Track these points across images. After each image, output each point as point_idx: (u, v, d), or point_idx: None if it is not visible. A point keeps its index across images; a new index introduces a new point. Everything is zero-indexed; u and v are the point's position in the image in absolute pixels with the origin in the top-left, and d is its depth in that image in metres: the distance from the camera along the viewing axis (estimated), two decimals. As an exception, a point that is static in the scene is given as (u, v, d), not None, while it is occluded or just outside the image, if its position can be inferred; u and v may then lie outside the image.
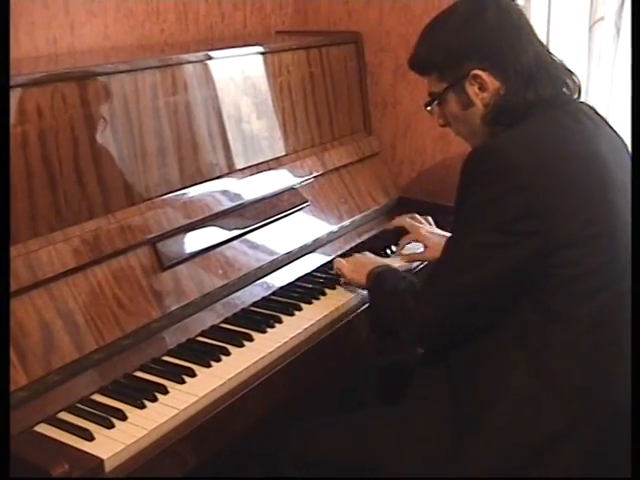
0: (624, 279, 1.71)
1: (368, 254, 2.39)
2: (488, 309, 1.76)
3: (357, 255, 2.38)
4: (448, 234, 2.24)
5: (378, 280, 2.09)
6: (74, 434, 1.63)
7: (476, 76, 1.84)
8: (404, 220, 2.59)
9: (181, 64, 2.26)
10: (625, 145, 1.94)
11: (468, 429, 1.75)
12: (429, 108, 2.00)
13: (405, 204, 2.99)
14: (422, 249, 2.50)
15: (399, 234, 2.64)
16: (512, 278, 1.72)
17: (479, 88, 1.85)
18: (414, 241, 2.54)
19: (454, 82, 1.88)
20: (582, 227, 1.70)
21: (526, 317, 1.72)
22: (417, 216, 2.61)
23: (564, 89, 1.87)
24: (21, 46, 2.29)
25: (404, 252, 2.55)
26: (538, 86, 1.82)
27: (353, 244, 2.70)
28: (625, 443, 1.60)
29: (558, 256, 1.69)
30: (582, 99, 2.64)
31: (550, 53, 1.92)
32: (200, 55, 2.34)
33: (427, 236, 2.49)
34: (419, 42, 1.96)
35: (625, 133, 2.60)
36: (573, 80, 1.89)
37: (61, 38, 2.40)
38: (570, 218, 1.70)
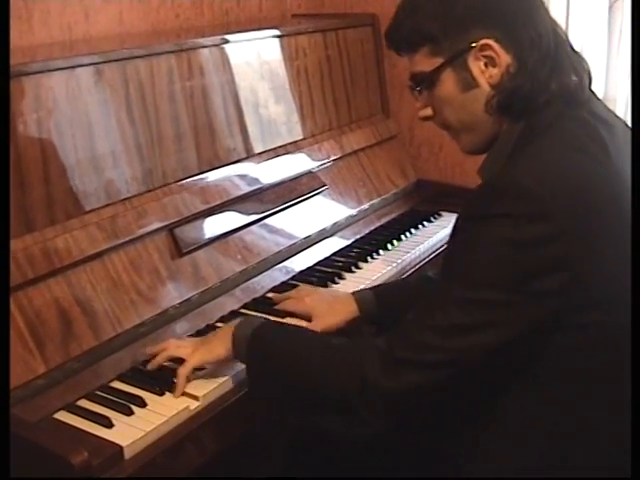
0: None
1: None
2: (483, 378, 1.49)
3: (183, 344, 1.82)
4: (336, 293, 2.09)
5: (273, 340, 1.67)
6: (93, 421, 1.62)
7: (485, 47, 1.51)
8: (286, 301, 2.08)
9: (197, 48, 2.24)
10: (632, 136, 1.62)
11: None
12: (415, 92, 1.63)
13: (424, 187, 2.98)
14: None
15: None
16: (516, 342, 1.43)
17: (486, 63, 1.52)
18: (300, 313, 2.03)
19: (454, 56, 1.53)
20: (609, 281, 1.44)
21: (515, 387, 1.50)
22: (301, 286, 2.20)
23: (583, 81, 1.56)
24: (35, 33, 2.28)
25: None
26: (560, 72, 1.52)
27: (372, 228, 2.69)
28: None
29: (574, 316, 1.43)
30: (602, 79, 2.64)
31: (565, 34, 1.62)
32: (216, 39, 2.33)
33: (312, 305, 2.00)
34: (402, 9, 1.61)
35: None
36: (589, 71, 1.60)
37: (76, 25, 2.38)
38: (599, 270, 1.43)
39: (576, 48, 1.63)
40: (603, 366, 1.49)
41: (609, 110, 1.64)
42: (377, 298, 1.99)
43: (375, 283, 2.25)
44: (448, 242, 1.58)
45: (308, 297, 2.04)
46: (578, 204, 1.41)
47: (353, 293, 2.02)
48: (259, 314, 2.03)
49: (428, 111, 1.65)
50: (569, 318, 1.44)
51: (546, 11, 1.59)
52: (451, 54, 1.54)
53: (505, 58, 1.52)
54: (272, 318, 2.00)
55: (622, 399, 1.47)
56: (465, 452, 1.58)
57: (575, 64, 1.56)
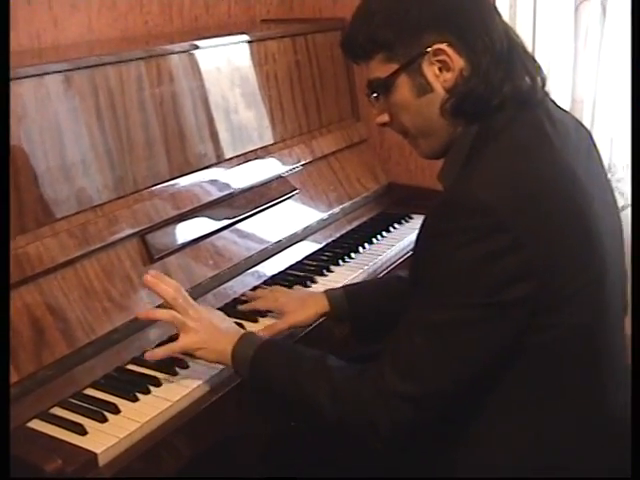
0: (615, 326, 1.56)
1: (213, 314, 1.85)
2: (472, 392, 1.51)
3: (201, 315, 1.79)
4: (305, 290, 2.18)
5: (275, 364, 1.66)
6: (67, 429, 1.62)
7: (438, 51, 1.52)
8: (257, 300, 2.11)
9: (166, 55, 2.25)
10: (589, 135, 1.71)
11: None
12: (372, 99, 1.65)
13: (394, 190, 3.00)
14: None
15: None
16: (498, 352, 1.47)
17: (440, 68, 1.53)
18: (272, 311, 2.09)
19: (408, 62, 1.55)
20: (573, 278, 1.47)
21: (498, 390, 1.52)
22: (264, 287, 2.23)
23: (536, 82, 1.58)
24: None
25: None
26: (513, 74, 1.54)
27: (343, 231, 2.71)
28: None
29: (542, 317, 1.46)
30: (569, 80, 2.67)
31: (518, 37, 1.63)
32: (185, 45, 2.33)
33: (284, 302, 2.04)
34: (357, 17, 1.62)
35: (609, 113, 2.63)
36: (541, 72, 1.61)
37: (44, 32, 2.38)
38: (563, 271, 1.46)
39: (544, 50, 1.64)
40: (573, 365, 1.51)
41: (563, 110, 1.68)
42: (347, 295, 2.02)
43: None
44: (411, 259, 1.59)
45: (280, 295, 2.08)
46: (534, 211, 1.43)
47: (325, 291, 2.05)
48: (232, 318, 2.04)
49: (385, 117, 1.65)
50: (538, 320, 1.45)
51: (499, 14, 1.61)
52: (405, 60, 1.55)
53: (458, 62, 1.53)
54: (245, 323, 2.02)
55: (593, 398, 1.52)
56: (450, 460, 1.60)
57: (528, 66, 1.58)
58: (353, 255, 2.50)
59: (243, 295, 2.19)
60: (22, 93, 1.84)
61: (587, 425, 1.55)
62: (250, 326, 2.02)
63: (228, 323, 1.83)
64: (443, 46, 1.52)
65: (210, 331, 1.76)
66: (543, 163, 1.49)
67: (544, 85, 1.60)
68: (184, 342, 1.75)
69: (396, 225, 2.76)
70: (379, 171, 3.00)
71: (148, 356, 1.79)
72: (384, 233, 2.69)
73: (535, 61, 1.62)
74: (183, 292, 1.80)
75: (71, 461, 1.49)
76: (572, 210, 1.49)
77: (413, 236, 2.54)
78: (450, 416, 1.52)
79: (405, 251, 2.59)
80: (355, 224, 2.77)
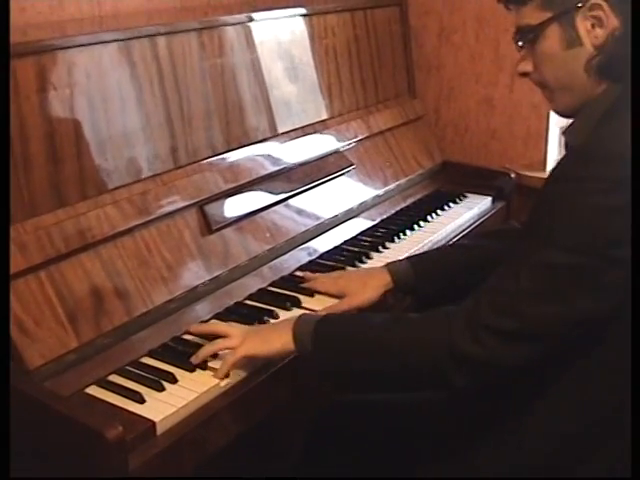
0: None
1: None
2: (559, 344, 1.49)
3: (237, 332, 1.77)
4: (363, 269, 2.14)
5: (341, 331, 1.66)
6: (125, 396, 1.62)
7: (595, 6, 1.49)
8: (316, 280, 2.08)
9: (223, 26, 2.23)
10: None
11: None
12: (520, 44, 1.62)
13: (449, 168, 2.97)
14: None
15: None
16: (596, 311, 1.45)
17: (593, 24, 1.51)
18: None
19: (562, 12, 1.53)
20: None
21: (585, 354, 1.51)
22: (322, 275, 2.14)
23: None
24: (65, 9, 2.27)
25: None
26: None
27: (398, 208, 2.69)
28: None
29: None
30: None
31: None
32: (242, 17, 2.31)
33: (344, 284, 2.02)
34: None
35: None
36: None
37: (105, 1, 2.37)
38: None
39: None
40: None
41: None
42: (413, 267, 2.01)
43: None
44: (534, 205, 1.56)
45: (339, 278, 2.06)
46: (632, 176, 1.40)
47: (386, 265, 2.04)
48: (287, 292, 2.04)
49: (528, 66, 1.63)
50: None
51: None
52: (560, 9, 1.53)
53: (613, 21, 1.50)
54: (301, 297, 2.02)
55: None
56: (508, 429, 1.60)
57: None
58: (408, 232, 2.48)
59: (297, 275, 2.17)
60: (83, 61, 1.84)
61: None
62: (306, 300, 2.02)
63: (277, 324, 1.82)
64: (601, 2, 1.49)
65: (261, 331, 1.77)
66: None
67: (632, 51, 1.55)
68: (242, 349, 1.71)
69: (451, 204, 2.74)
70: (434, 149, 2.97)
71: (193, 329, 1.83)
72: (439, 211, 2.66)
73: None
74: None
75: (130, 428, 1.49)
76: None
77: (468, 215, 2.61)
78: (529, 368, 1.51)
79: (460, 230, 2.57)
80: (410, 201, 2.76)
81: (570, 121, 1.66)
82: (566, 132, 1.66)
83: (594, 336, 1.49)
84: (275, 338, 1.69)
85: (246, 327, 1.84)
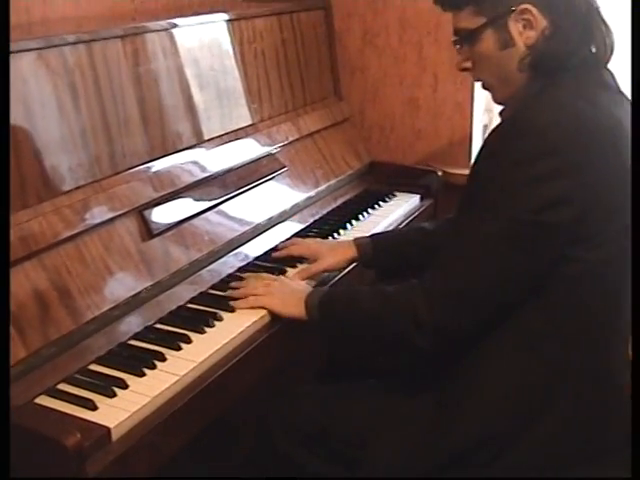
0: (626, 277, 1.63)
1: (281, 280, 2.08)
2: (502, 305, 1.67)
3: (271, 284, 2.03)
4: (335, 240, 2.39)
5: (337, 302, 1.88)
6: (77, 404, 1.61)
7: (524, 11, 1.66)
8: (291, 247, 2.32)
9: (147, 32, 2.21)
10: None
11: (454, 402, 1.74)
12: (458, 47, 1.80)
13: (377, 168, 3.02)
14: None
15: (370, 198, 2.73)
16: (533, 271, 1.63)
17: (524, 26, 1.67)
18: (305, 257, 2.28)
19: (496, 17, 1.69)
20: (609, 217, 1.61)
21: (525, 308, 1.67)
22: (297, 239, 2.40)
23: (606, 47, 1.71)
24: (-8, 15, 2.24)
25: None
26: (589, 37, 1.68)
27: (329, 208, 2.72)
28: (604, 410, 1.66)
29: (576, 248, 1.61)
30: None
31: (595, 1, 1.74)
32: (166, 24, 2.29)
33: (316, 248, 2.26)
34: None
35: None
36: (611, 39, 1.73)
37: (33, 7, 2.35)
38: (602, 206, 1.60)
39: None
40: (594, 299, 1.66)
41: (616, 82, 1.77)
42: (373, 243, 2.24)
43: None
44: (467, 181, 1.73)
45: (312, 242, 2.33)
46: (584, 144, 1.58)
47: (354, 239, 2.29)
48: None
49: (468, 64, 1.80)
50: (571, 251, 1.61)
51: None
52: (494, 15, 1.70)
53: (541, 22, 1.67)
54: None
55: (609, 329, 1.68)
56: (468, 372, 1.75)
57: (603, 30, 1.71)
58: (341, 232, 2.52)
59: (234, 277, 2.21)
60: (15, 67, 1.81)
61: (592, 369, 1.69)
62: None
63: (296, 285, 2.04)
64: (528, 6, 1.66)
65: (283, 292, 1.98)
66: (598, 108, 1.63)
67: (612, 52, 1.73)
68: (264, 300, 1.97)
69: (381, 202, 2.78)
70: (361, 149, 3.02)
71: (236, 304, 1.99)
72: (370, 210, 2.71)
73: (608, 26, 1.73)
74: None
75: (87, 435, 1.48)
76: (616, 157, 1.63)
77: (398, 212, 2.66)
78: (474, 329, 1.69)
79: (391, 227, 2.61)
80: (340, 201, 2.80)
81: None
82: (501, 113, 1.85)
83: (530, 298, 1.66)
84: (292, 304, 1.92)
85: (277, 280, 2.05)
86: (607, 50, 1.72)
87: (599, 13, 1.73)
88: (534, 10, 1.66)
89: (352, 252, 2.23)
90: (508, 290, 1.65)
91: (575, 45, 1.67)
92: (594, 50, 1.71)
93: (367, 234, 2.47)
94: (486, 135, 1.69)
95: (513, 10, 1.67)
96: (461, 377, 1.74)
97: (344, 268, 2.25)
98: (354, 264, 2.27)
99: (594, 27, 1.70)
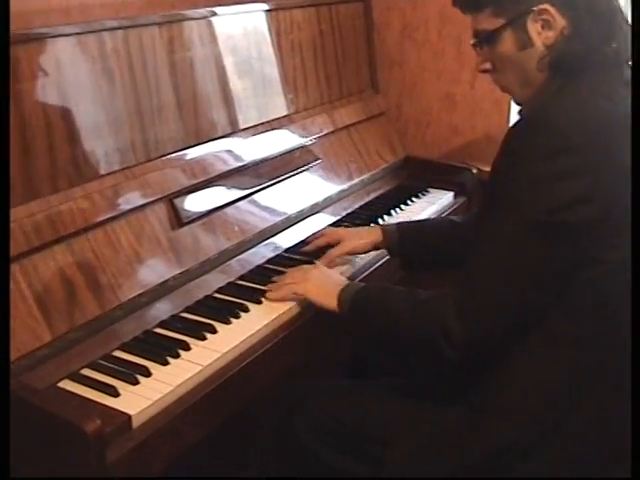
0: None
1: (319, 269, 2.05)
2: (531, 311, 1.65)
3: (309, 271, 2.02)
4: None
5: (370, 300, 1.85)
6: (99, 390, 1.62)
7: (543, 11, 1.65)
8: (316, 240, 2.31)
9: (186, 20, 2.21)
10: None
11: (484, 405, 1.72)
12: (478, 49, 1.79)
13: (411, 163, 3.00)
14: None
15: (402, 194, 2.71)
16: (559, 273, 1.61)
17: (543, 26, 1.67)
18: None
19: (514, 18, 1.68)
20: (625, 216, 1.56)
21: (551, 311, 1.65)
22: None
23: (625, 45, 1.68)
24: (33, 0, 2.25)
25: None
26: (612, 36, 1.66)
27: (362, 202, 2.71)
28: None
29: (598, 249, 1.59)
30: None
31: (619, 4, 1.73)
32: (206, 11, 2.29)
33: (343, 232, 2.28)
34: None
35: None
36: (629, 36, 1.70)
37: (73, -8, 2.36)
38: (619, 206, 1.58)
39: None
40: (615, 300, 1.64)
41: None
42: (399, 231, 2.22)
43: (367, 259, 2.29)
44: (489, 178, 1.72)
45: (339, 229, 2.34)
46: (603, 143, 1.57)
47: (381, 225, 2.32)
48: (256, 285, 2.08)
49: (487, 65, 1.80)
50: (591, 253, 1.60)
51: None
52: (512, 16, 1.69)
53: (560, 21, 1.66)
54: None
55: (625, 335, 1.60)
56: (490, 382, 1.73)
57: (623, 29, 1.69)
58: (372, 227, 2.50)
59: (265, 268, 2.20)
60: (52, 52, 1.83)
61: (614, 369, 1.67)
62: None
63: (334, 276, 2.01)
64: (547, 6, 1.65)
65: (320, 281, 1.96)
66: (619, 105, 1.63)
67: (631, 50, 1.69)
68: (299, 289, 1.96)
69: (414, 198, 2.76)
70: (397, 144, 2.99)
71: (270, 295, 2.00)
72: (402, 206, 2.69)
73: (629, 24, 1.71)
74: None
75: (107, 422, 1.49)
76: (629, 158, 1.57)
77: (430, 209, 2.63)
78: (504, 337, 1.66)
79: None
80: (373, 196, 2.78)
81: None
82: (520, 112, 1.84)
83: (557, 299, 1.64)
84: (326, 294, 1.90)
85: (317, 269, 2.03)
86: (628, 47, 1.68)
87: (620, 11, 1.71)
88: (552, 10, 1.65)
89: (377, 236, 2.22)
90: (537, 295, 1.63)
91: (595, 44, 1.65)
92: (615, 46, 1.67)
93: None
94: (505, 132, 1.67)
95: (532, 10, 1.67)
96: (490, 381, 1.72)
97: (369, 251, 2.25)
98: (385, 258, 2.27)
99: (615, 25, 1.68)
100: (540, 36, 1.68)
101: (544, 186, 1.55)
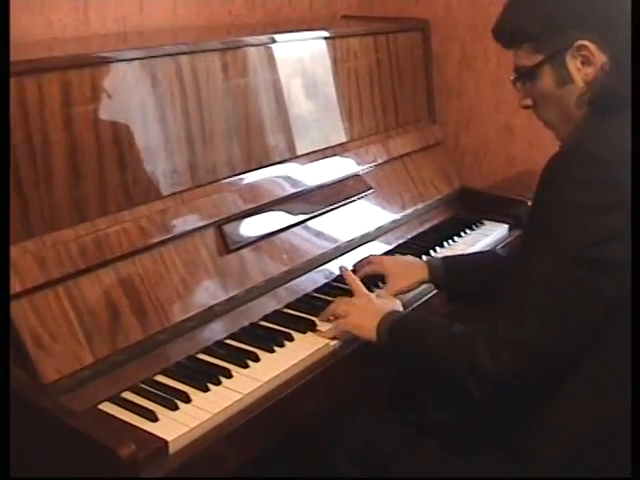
0: None
1: (365, 297, 2.03)
2: (567, 354, 1.59)
3: (356, 302, 2.01)
4: (411, 259, 2.32)
5: (406, 331, 1.82)
6: (138, 414, 1.62)
7: (582, 47, 1.62)
8: (366, 267, 2.30)
9: (246, 47, 2.23)
10: None
11: (524, 451, 1.67)
12: (519, 84, 1.76)
13: (467, 194, 2.97)
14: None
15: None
16: (597, 313, 1.54)
17: (582, 62, 1.64)
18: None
19: (553, 54, 1.66)
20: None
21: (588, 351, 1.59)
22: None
23: None
24: (91, 25, 2.29)
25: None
26: None
27: (415, 233, 2.69)
28: None
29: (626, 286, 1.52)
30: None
31: None
32: (265, 38, 2.31)
33: (389, 266, 2.25)
34: (509, 8, 1.75)
35: None
36: None
37: (130, 17, 2.39)
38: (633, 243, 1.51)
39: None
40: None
41: None
42: (445, 266, 2.21)
43: (414, 292, 2.26)
44: (529, 210, 1.67)
45: (386, 259, 2.32)
46: (632, 177, 1.50)
47: (426, 259, 2.31)
48: (303, 314, 2.06)
49: (528, 101, 1.77)
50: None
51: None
52: (550, 52, 1.66)
53: (600, 57, 1.62)
54: (315, 319, 2.05)
55: None
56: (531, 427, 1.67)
57: None
58: (424, 258, 2.47)
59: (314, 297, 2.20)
60: (107, 77, 1.85)
61: None
62: (322, 323, 2.04)
63: (379, 306, 1.96)
64: (586, 42, 1.62)
65: (361, 313, 1.93)
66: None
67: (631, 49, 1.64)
68: (341, 323, 1.95)
69: (467, 230, 2.73)
70: (452, 174, 2.97)
71: (321, 318, 2.03)
72: (455, 237, 2.65)
73: None
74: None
75: (143, 446, 1.49)
76: None
77: (484, 242, 2.60)
78: (541, 379, 1.61)
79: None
80: (427, 226, 2.76)
81: None
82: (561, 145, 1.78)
83: (598, 337, 1.57)
84: (367, 326, 1.87)
85: (360, 302, 1.99)
86: None
87: None
88: (592, 46, 1.62)
89: (423, 274, 2.21)
90: (574, 337, 1.57)
91: (630, 77, 1.60)
92: None
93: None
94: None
95: (570, 46, 1.64)
96: (529, 426, 1.67)
97: (415, 288, 2.23)
98: (433, 291, 2.25)
99: None
100: (580, 72, 1.65)
101: (583, 219, 1.51)
